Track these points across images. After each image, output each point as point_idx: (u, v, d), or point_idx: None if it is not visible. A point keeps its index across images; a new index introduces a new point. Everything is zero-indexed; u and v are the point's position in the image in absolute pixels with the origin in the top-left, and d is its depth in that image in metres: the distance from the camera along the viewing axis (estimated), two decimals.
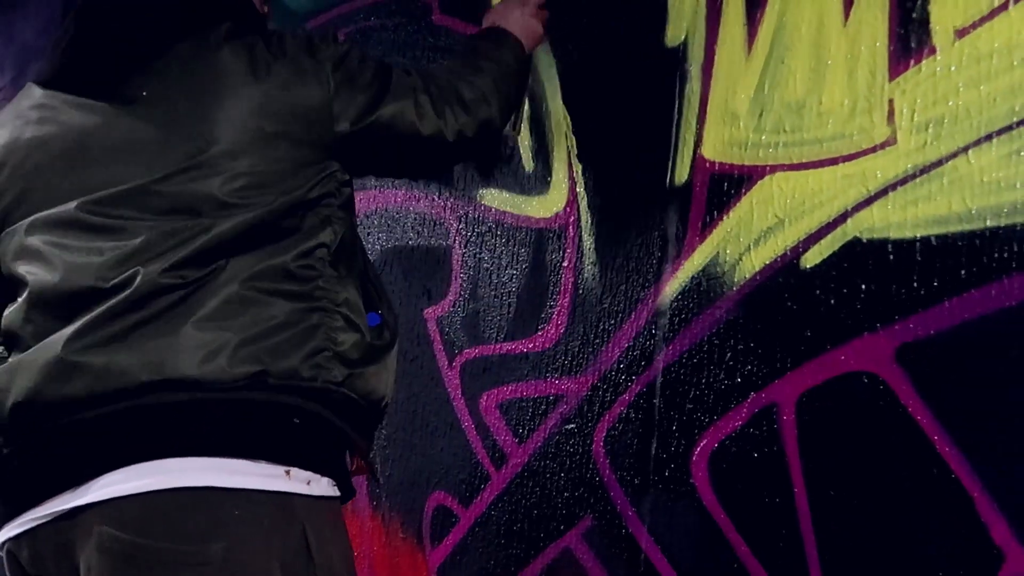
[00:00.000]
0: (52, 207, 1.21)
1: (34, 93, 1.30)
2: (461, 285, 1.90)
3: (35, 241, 1.21)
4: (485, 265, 1.86)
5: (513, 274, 1.80)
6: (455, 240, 1.92)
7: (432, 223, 1.98)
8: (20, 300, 1.21)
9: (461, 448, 1.86)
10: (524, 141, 1.80)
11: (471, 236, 1.89)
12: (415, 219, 2.02)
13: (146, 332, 1.13)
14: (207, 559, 1.10)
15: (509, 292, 1.80)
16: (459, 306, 1.90)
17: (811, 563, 1.33)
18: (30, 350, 1.16)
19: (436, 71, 1.45)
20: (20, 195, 1.25)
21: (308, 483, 1.17)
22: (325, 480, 1.21)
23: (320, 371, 1.18)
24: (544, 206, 1.75)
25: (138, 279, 1.14)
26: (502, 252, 1.83)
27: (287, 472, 1.15)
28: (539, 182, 1.77)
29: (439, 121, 1.37)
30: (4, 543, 1.20)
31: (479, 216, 1.88)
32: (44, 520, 1.14)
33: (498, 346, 1.81)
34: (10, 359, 1.19)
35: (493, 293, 1.83)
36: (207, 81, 1.22)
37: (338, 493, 1.24)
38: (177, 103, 1.21)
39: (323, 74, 1.26)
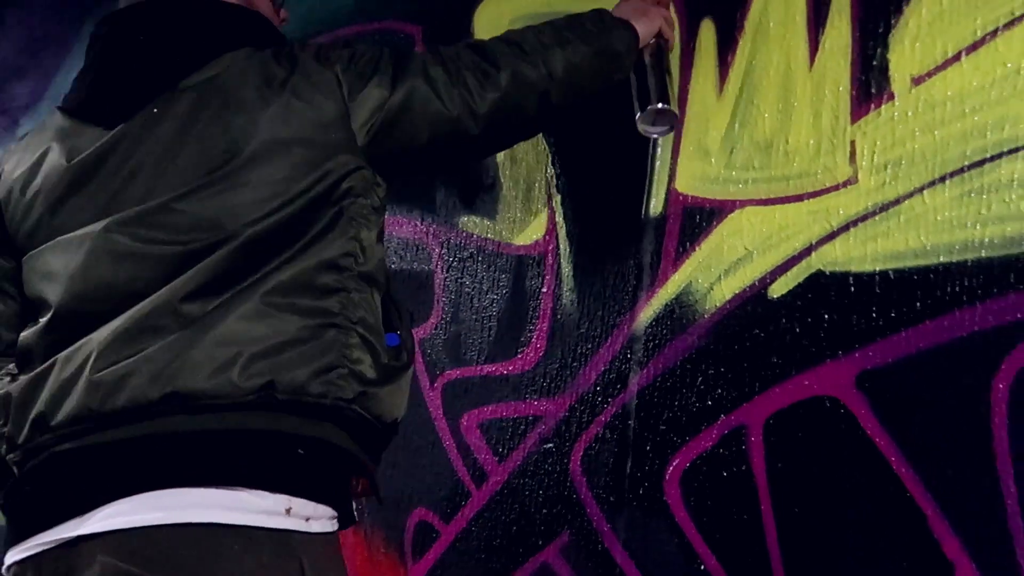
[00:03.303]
0: (76, 229, 1.22)
1: (59, 120, 1.31)
2: (443, 309, 1.92)
3: (58, 262, 1.22)
4: (467, 290, 1.88)
5: (494, 299, 1.82)
6: (437, 265, 1.94)
7: (415, 248, 2.00)
8: (42, 321, 1.22)
9: (443, 466, 1.88)
10: (505, 171, 1.83)
11: (453, 261, 1.91)
12: (398, 244, 2.03)
13: (161, 347, 1.13)
14: None
15: (490, 316, 1.83)
16: (441, 329, 1.92)
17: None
18: (46, 364, 1.16)
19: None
20: (44, 217, 1.26)
21: (307, 520, 1.16)
22: (325, 515, 1.20)
23: (331, 388, 1.16)
24: (524, 234, 1.78)
25: (160, 302, 1.15)
26: (483, 277, 1.85)
27: (287, 510, 1.14)
28: (520, 211, 1.80)
29: (457, 89, 1.28)
30: (10, 566, 1.20)
31: (461, 242, 1.90)
32: (49, 546, 1.14)
33: (479, 368, 1.83)
34: (21, 376, 1.20)
35: (474, 317, 1.85)
36: (225, 100, 1.22)
37: (336, 528, 1.23)
38: (197, 122, 1.22)
39: (334, 78, 1.24)
